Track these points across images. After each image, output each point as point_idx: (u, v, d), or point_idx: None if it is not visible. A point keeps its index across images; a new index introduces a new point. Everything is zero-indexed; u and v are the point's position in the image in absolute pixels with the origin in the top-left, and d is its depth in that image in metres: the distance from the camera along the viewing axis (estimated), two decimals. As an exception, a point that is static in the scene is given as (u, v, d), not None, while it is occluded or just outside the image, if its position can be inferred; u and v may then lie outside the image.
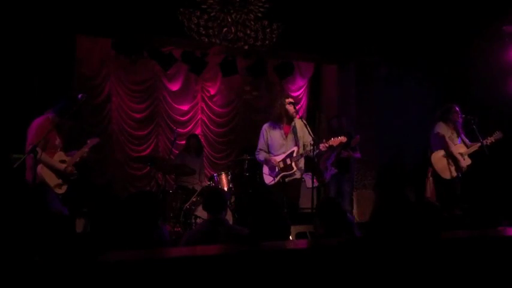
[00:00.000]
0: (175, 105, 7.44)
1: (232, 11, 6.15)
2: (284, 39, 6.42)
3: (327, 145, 4.53)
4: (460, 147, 5.43)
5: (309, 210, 5.10)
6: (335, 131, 5.96)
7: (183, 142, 6.72)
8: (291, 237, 3.11)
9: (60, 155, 4.22)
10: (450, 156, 5.37)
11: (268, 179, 4.76)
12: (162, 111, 7.35)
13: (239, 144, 7.70)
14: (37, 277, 1.21)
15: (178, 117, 7.45)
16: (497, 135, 5.32)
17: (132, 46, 6.18)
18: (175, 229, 5.51)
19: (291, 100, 4.76)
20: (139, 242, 2.42)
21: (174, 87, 7.39)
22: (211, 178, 6.00)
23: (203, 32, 6.01)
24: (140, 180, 7.15)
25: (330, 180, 5.98)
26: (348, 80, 7.21)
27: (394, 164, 6.58)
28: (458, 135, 5.47)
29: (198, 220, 5.38)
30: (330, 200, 3.78)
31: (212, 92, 7.67)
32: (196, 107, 7.65)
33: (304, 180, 5.15)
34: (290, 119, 4.73)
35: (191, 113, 7.60)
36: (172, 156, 6.39)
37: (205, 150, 7.26)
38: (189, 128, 7.52)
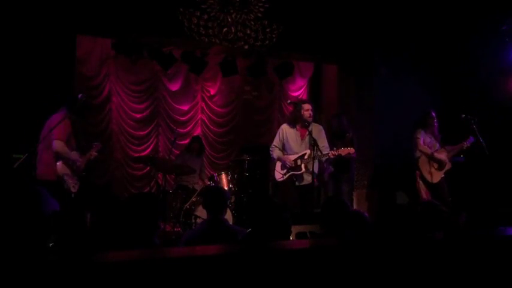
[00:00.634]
0: (175, 105, 7.44)
1: (232, 11, 6.15)
2: (284, 39, 6.41)
3: (336, 154, 4.76)
4: (441, 152, 5.60)
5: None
6: (335, 131, 5.97)
7: (183, 142, 6.73)
8: (291, 237, 3.11)
9: (75, 155, 4.36)
10: (432, 159, 5.56)
11: (278, 176, 5.06)
12: (162, 111, 7.36)
13: (239, 144, 7.70)
14: (33, 277, 1.21)
15: (178, 117, 7.45)
16: (470, 140, 5.44)
17: (132, 46, 6.18)
18: (175, 229, 5.51)
19: (308, 107, 4.97)
20: (139, 243, 2.42)
21: (174, 87, 7.39)
22: (211, 178, 6.01)
23: (203, 32, 6.01)
24: (140, 180, 7.15)
25: (328, 180, 5.99)
26: (348, 80, 7.20)
27: (389, 164, 6.57)
28: (437, 140, 5.68)
29: (198, 220, 5.38)
30: (335, 199, 3.76)
31: (212, 92, 7.68)
32: (196, 107, 7.65)
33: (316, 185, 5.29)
34: (305, 123, 4.93)
35: (191, 113, 7.60)
36: (172, 156, 6.39)
37: (205, 151, 7.27)
38: (189, 128, 7.53)
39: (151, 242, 2.43)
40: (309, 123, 4.96)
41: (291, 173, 4.94)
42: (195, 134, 7.22)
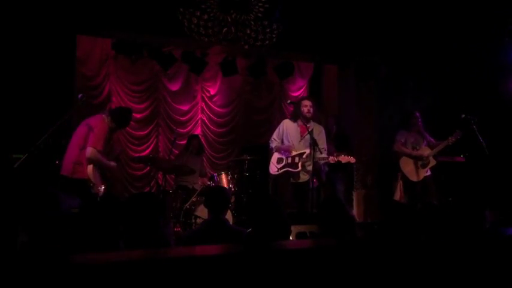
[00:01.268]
0: (175, 105, 7.44)
1: (232, 11, 6.15)
2: (284, 39, 6.41)
3: (336, 159, 4.80)
4: (424, 150, 5.61)
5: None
6: (330, 131, 6.01)
7: (183, 142, 6.72)
8: (291, 237, 3.11)
9: (109, 162, 4.50)
10: (412, 157, 5.59)
11: (273, 169, 5.10)
12: (162, 111, 7.35)
13: (239, 144, 7.69)
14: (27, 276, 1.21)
15: (178, 117, 7.45)
16: (458, 134, 5.41)
17: (132, 46, 6.18)
18: (175, 229, 5.52)
19: (307, 103, 5.07)
20: (139, 243, 2.42)
21: (174, 87, 7.38)
22: (211, 178, 6.01)
23: (203, 32, 6.01)
24: (140, 180, 7.15)
25: (325, 180, 6.00)
26: (348, 80, 7.20)
27: (388, 164, 6.57)
28: (424, 139, 5.69)
29: (198, 220, 5.38)
30: (332, 199, 3.76)
31: (212, 92, 7.67)
32: (196, 107, 7.65)
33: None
34: (305, 118, 4.99)
35: (191, 113, 7.60)
36: (172, 157, 6.39)
37: (205, 150, 7.26)
38: (189, 128, 7.52)
39: (160, 235, 2.43)
40: (309, 120, 5.00)
41: (286, 169, 4.98)
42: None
